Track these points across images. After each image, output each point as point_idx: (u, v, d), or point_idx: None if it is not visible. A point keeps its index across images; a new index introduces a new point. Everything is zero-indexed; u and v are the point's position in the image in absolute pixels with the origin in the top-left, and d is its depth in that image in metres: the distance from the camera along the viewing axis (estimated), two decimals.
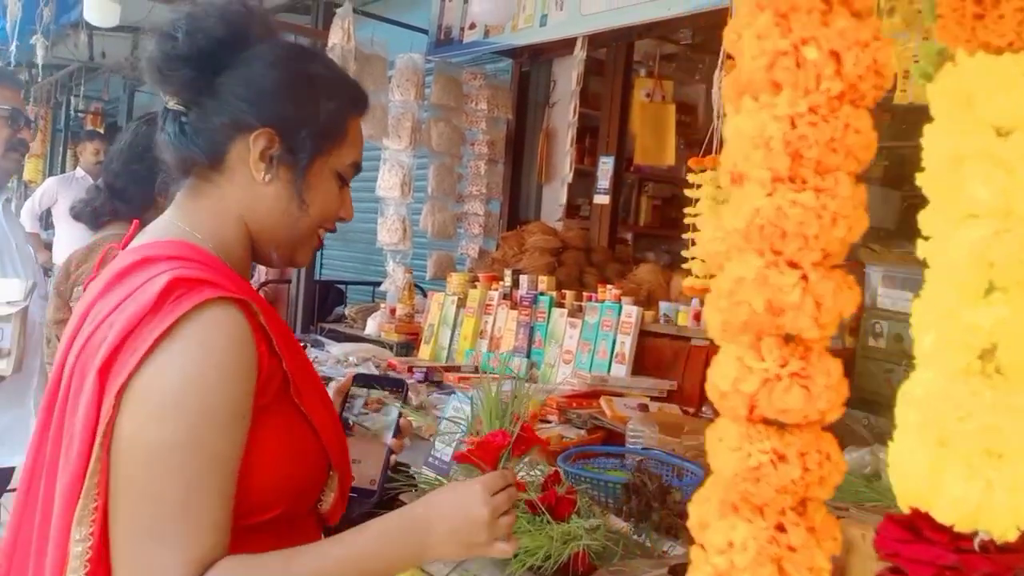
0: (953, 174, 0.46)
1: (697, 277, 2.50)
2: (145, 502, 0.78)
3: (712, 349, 2.41)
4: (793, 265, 0.45)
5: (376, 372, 3.00)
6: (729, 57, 2.63)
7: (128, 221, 1.84)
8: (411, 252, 4.19)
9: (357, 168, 1.05)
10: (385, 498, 1.16)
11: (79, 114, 8.62)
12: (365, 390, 1.18)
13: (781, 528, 0.42)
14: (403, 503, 1.32)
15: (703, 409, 2.89)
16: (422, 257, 4.47)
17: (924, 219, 0.48)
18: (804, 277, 0.45)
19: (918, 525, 0.48)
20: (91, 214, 1.89)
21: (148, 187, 1.76)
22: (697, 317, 3.06)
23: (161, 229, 0.97)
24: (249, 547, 0.83)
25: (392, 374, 3.02)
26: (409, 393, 1.23)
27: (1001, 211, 0.45)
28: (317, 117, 0.97)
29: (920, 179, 0.49)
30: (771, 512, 0.43)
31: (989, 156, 0.45)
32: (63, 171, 7.89)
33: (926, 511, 0.45)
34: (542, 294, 3.44)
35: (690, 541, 1.54)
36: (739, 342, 0.46)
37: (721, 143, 2.62)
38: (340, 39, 3.82)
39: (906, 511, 0.50)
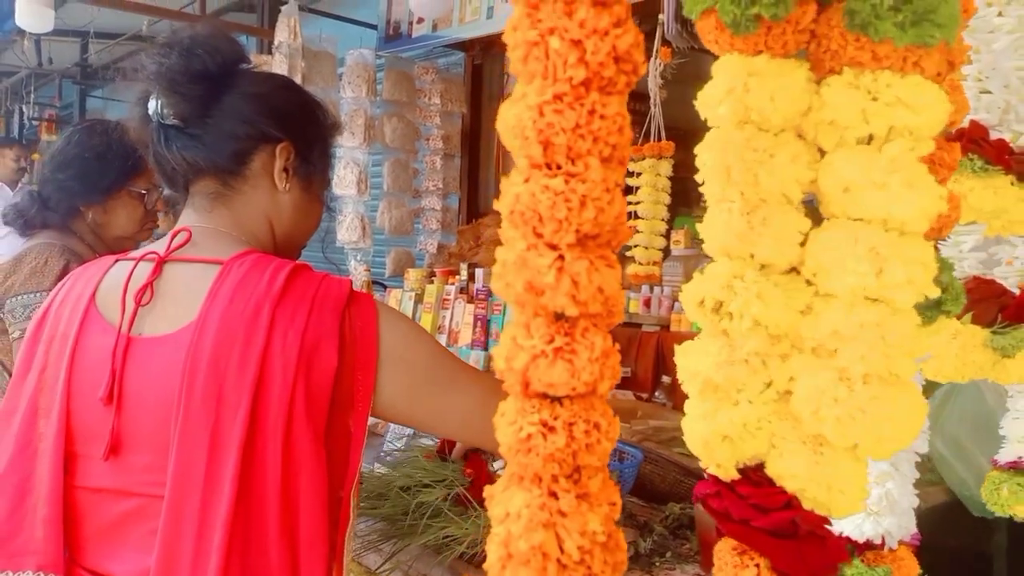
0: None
1: (640, 265, 2.55)
2: (466, 385, 0.97)
3: (663, 335, 2.45)
4: (552, 247, 0.48)
5: None
6: (666, 44, 2.62)
7: (59, 230, 1.81)
8: (372, 250, 4.19)
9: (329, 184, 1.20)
10: None
11: (33, 121, 8.47)
12: None
13: (554, 495, 0.45)
14: None
15: (656, 394, 2.94)
16: (381, 255, 4.47)
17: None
18: (560, 258, 0.48)
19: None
20: (21, 221, 1.84)
21: (73, 197, 1.74)
22: (648, 304, 3.10)
23: (214, 236, 1.01)
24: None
25: None
26: None
27: (717, 195, 0.52)
28: (324, 137, 1.12)
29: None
30: (545, 481, 0.45)
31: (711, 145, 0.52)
32: None
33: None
34: None
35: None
36: (518, 320, 0.48)
37: (659, 131, 2.66)
38: (286, 37, 3.80)
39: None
